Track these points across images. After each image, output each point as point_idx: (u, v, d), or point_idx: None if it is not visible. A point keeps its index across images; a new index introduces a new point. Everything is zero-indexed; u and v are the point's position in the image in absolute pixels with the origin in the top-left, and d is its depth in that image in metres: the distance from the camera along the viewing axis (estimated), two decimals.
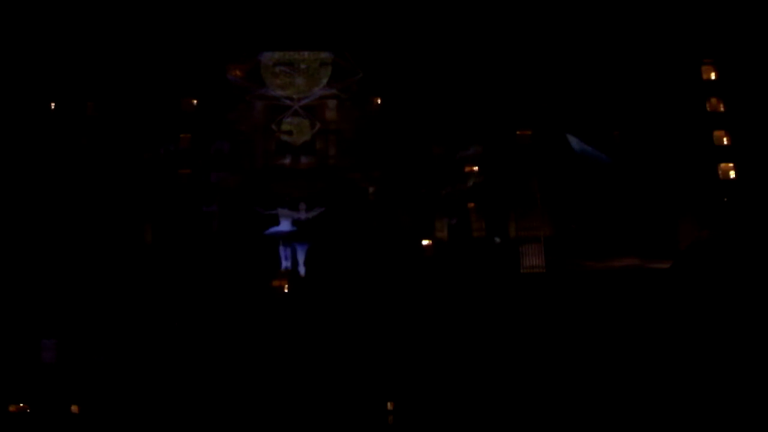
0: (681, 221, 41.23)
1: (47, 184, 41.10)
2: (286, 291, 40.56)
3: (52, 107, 42.69)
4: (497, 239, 41.20)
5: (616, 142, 42.96)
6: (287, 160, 42.90)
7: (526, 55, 43.32)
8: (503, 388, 36.29)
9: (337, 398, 36.63)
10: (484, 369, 37.03)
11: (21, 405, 36.78)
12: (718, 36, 43.62)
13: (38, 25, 42.76)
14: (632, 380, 34.98)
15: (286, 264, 40.66)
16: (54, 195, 40.98)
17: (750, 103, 42.89)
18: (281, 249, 40.76)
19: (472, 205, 42.09)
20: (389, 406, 37.14)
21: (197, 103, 43.43)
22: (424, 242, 41.41)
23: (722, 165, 42.65)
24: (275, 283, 40.64)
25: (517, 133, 43.09)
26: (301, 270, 40.67)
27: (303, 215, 41.45)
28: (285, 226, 41.32)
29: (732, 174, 42.53)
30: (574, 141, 40.78)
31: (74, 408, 36.82)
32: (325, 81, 43.45)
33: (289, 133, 43.08)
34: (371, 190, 42.33)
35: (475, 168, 42.66)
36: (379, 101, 43.77)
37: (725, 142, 43.12)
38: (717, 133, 43.13)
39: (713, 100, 43.64)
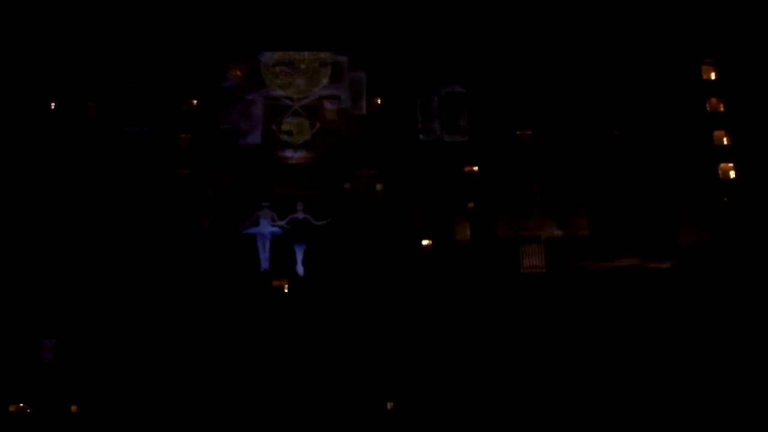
0: (681, 221, 41.23)
1: (47, 184, 41.08)
2: (286, 291, 40.57)
3: (52, 107, 42.68)
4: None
5: (616, 142, 42.96)
6: (287, 160, 42.90)
7: (526, 55, 43.32)
8: (503, 388, 36.29)
9: (337, 398, 36.63)
10: (484, 369, 37.03)
11: (21, 405, 36.78)
12: (718, 36, 43.63)
13: (38, 25, 42.78)
14: (632, 380, 34.98)
15: (265, 265, 40.44)
16: (54, 195, 40.96)
17: (750, 103, 42.90)
18: (260, 250, 40.53)
19: (471, 204, 42.11)
20: (389, 406, 37.15)
21: (197, 103, 43.44)
22: (424, 242, 41.38)
23: (722, 165, 42.65)
24: (275, 283, 40.62)
25: (517, 133, 43.08)
26: (299, 270, 40.62)
27: (300, 215, 41.38)
28: (265, 226, 40.99)
29: (732, 174, 42.53)
30: None
31: (74, 408, 36.85)
32: (325, 81, 43.45)
33: (289, 133, 43.07)
34: (379, 188, 42.24)
35: (475, 168, 42.68)
36: (379, 101, 43.77)
37: (725, 142, 43.13)
38: (717, 133, 43.14)
39: (713, 100, 43.64)
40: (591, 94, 43.10)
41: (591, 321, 37.64)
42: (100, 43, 42.92)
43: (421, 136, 42.58)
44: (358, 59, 43.44)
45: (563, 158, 42.53)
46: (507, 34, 43.42)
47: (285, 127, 43.14)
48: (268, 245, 40.50)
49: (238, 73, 43.51)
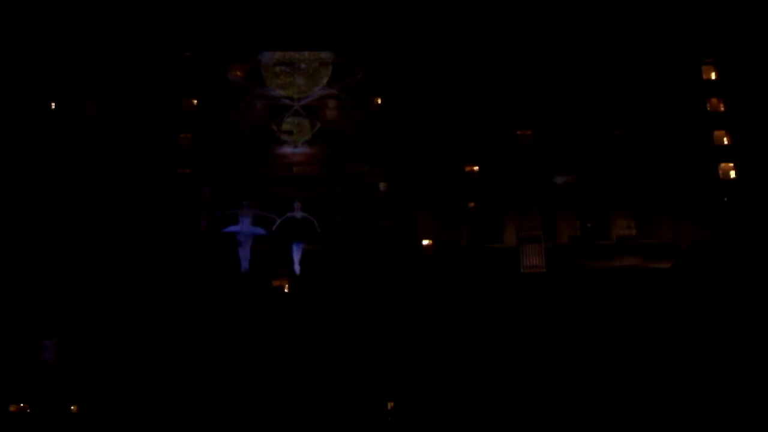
0: (681, 221, 41.25)
1: (47, 184, 41.08)
2: (286, 291, 40.56)
3: (52, 107, 42.68)
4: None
5: (616, 142, 42.97)
6: (287, 160, 42.92)
7: (526, 55, 43.34)
8: (503, 388, 36.28)
9: (337, 398, 36.61)
10: (484, 368, 37.02)
11: (21, 405, 36.75)
12: (718, 36, 43.65)
13: (38, 25, 42.77)
14: (633, 380, 34.96)
15: (245, 265, 40.28)
16: (54, 195, 40.96)
17: (750, 103, 42.91)
18: (240, 250, 40.20)
19: (472, 204, 42.13)
20: (389, 406, 37.13)
21: (197, 103, 43.44)
22: (425, 242, 41.38)
23: (722, 165, 42.67)
24: (275, 283, 40.61)
25: (517, 133, 43.08)
26: (297, 269, 40.57)
27: (298, 214, 41.35)
28: (245, 225, 40.69)
29: (732, 174, 42.55)
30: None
31: (74, 408, 36.83)
32: (325, 81, 43.46)
33: (290, 132, 43.07)
34: (382, 187, 42.21)
35: (476, 168, 42.69)
36: (379, 101, 43.77)
37: (725, 142, 43.14)
38: (717, 133, 43.17)
39: (713, 100, 43.67)
40: (591, 94, 43.12)
41: (591, 321, 37.61)
42: (100, 43, 42.93)
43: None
44: (359, 59, 43.45)
45: (563, 158, 42.54)
46: (507, 34, 43.44)
47: (285, 126, 43.16)
48: (248, 245, 40.28)
49: (238, 73, 43.52)
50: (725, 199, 41.88)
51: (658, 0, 43.54)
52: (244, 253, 40.14)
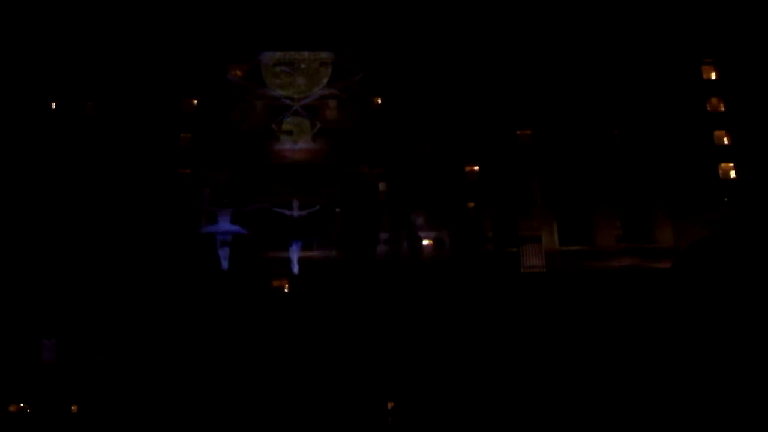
0: (681, 221, 41.24)
1: (47, 184, 41.08)
2: (286, 291, 40.57)
3: (52, 107, 42.68)
4: None
5: (616, 142, 42.96)
6: (287, 160, 42.92)
7: (526, 54, 43.33)
8: (503, 388, 36.28)
9: (337, 398, 36.62)
10: (484, 369, 37.02)
11: (21, 405, 36.76)
12: (718, 36, 43.63)
13: (38, 25, 42.77)
14: (632, 380, 34.97)
15: (224, 265, 40.09)
16: (54, 195, 40.96)
17: (750, 103, 42.89)
18: (219, 250, 39.96)
19: (472, 204, 42.12)
20: (389, 406, 37.13)
21: (197, 103, 43.44)
22: (425, 242, 41.38)
23: (722, 165, 42.65)
24: (275, 283, 40.60)
25: (517, 133, 43.07)
26: (295, 268, 40.54)
27: (296, 213, 41.34)
28: (224, 224, 40.35)
29: (732, 174, 42.54)
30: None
31: (74, 408, 36.83)
32: (325, 81, 43.45)
33: (290, 132, 43.07)
34: (382, 187, 42.22)
35: (476, 168, 42.68)
36: (379, 101, 43.77)
37: (725, 142, 43.13)
38: (717, 133, 43.15)
39: (713, 100, 43.65)
40: (591, 94, 43.12)
41: (591, 321, 37.62)
42: (100, 43, 42.92)
43: None
44: (359, 59, 43.44)
45: (563, 158, 42.53)
46: (507, 34, 43.43)
47: (285, 126, 43.15)
48: (227, 245, 40.04)
49: (238, 73, 43.51)
50: (725, 199, 41.87)
51: (658, 0, 43.54)
52: (223, 253, 39.94)
